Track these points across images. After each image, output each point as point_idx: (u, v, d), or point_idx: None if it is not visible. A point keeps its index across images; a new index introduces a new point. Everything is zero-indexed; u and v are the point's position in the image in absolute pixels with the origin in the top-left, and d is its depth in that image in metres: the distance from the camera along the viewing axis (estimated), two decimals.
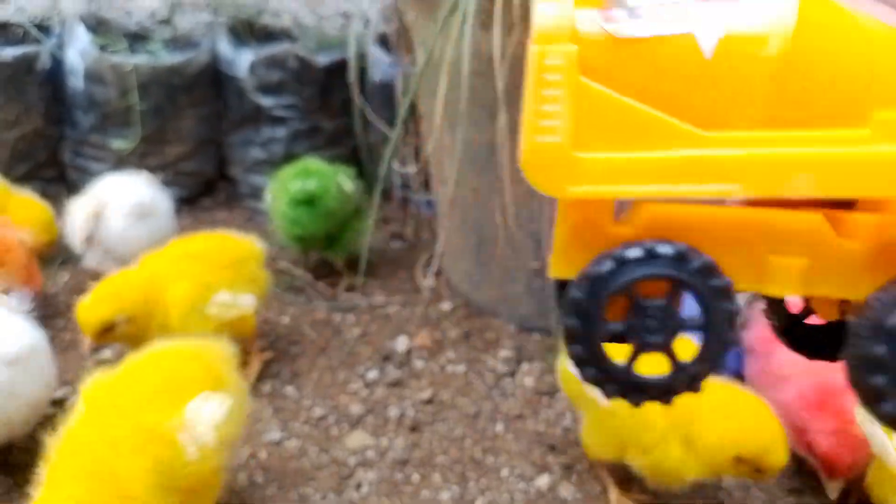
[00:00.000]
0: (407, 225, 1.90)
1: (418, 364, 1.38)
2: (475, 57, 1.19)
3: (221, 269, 1.23)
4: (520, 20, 1.13)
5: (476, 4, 1.15)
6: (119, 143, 1.79)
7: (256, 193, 1.98)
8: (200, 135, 1.92)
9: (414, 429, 1.22)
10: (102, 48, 1.78)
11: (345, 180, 1.59)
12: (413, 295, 1.61)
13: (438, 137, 1.26)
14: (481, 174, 1.34)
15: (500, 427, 1.22)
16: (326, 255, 1.69)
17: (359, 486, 1.10)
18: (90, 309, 1.09)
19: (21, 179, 1.87)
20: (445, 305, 1.55)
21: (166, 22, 2.18)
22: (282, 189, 1.55)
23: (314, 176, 1.54)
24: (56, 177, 1.96)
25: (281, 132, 1.90)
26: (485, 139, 1.30)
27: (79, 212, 1.45)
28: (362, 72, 1.79)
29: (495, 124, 1.26)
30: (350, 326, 1.50)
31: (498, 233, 1.37)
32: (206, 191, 2.03)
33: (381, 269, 1.71)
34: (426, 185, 1.70)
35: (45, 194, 1.92)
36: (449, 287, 1.60)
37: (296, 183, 1.53)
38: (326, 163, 1.64)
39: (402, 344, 1.42)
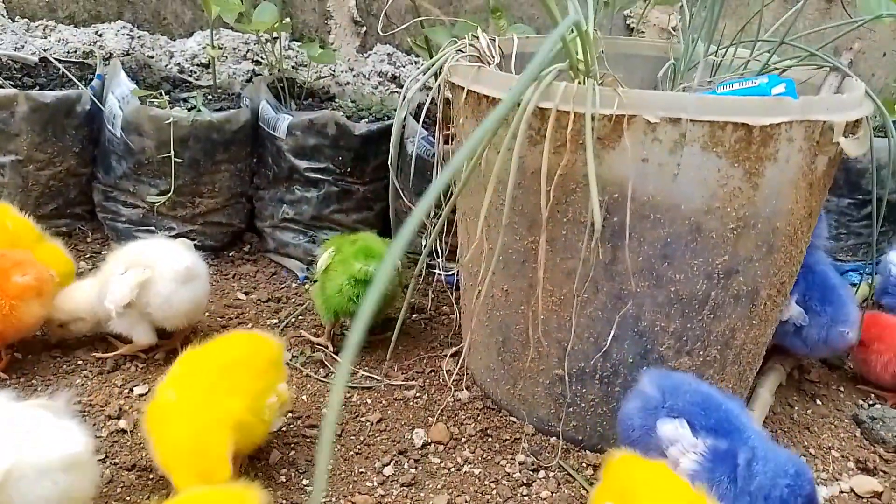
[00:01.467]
0: (428, 297, 1.90)
1: (434, 461, 1.37)
2: (519, 169, 1.20)
3: (264, 372, 1.23)
4: (570, 141, 1.13)
5: (527, 122, 1.16)
6: (153, 198, 1.79)
7: (282, 249, 1.99)
8: (233, 189, 1.93)
9: None
10: (142, 99, 1.78)
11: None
12: (432, 378, 1.60)
13: (479, 244, 1.26)
14: (514, 278, 1.34)
15: None
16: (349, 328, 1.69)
17: None
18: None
19: (50, 216, 1.88)
20: (464, 395, 1.55)
21: (206, 66, 2.19)
22: (343, 265, 1.57)
23: (376, 257, 1.56)
24: (85, 214, 1.97)
25: (313, 193, 1.90)
26: (521, 246, 1.30)
27: (118, 277, 1.44)
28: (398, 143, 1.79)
29: (532, 234, 1.26)
30: (368, 410, 1.49)
31: (523, 335, 1.37)
32: (232, 242, 2.03)
33: (401, 346, 1.70)
34: (449, 257, 1.70)
35: (72, 232, 1.94)
36: (468, 375, 1.60)
37: (359, 263, 1.55)
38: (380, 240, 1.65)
39: (419, 437, 1.41)
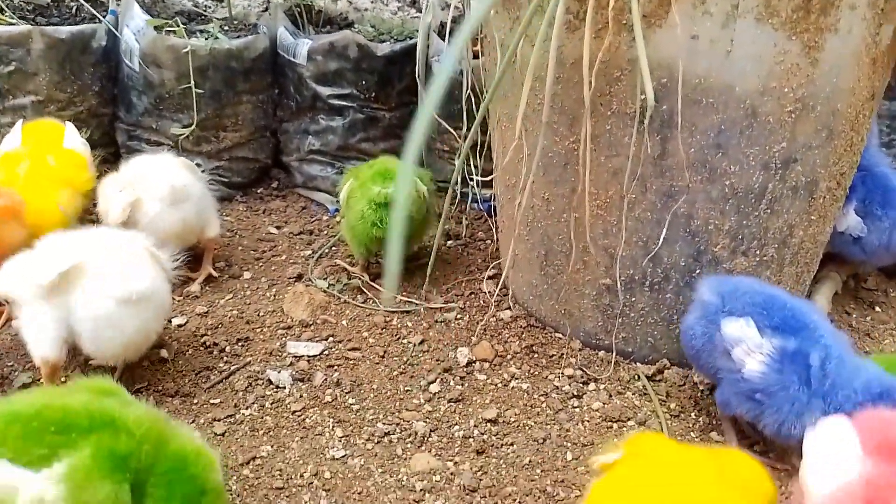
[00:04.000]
0: (462, 224, 1.84)
1: (480, 378, 1.34)
2: (558, 61, 1.12)
3: None
4: (612, 21, 1.05)
5: (564, 4, 1.08)
6: (176, 130, 1.75)
7: (310, 182, 1.94)
8: (256, 122, 1.87)
9: (481, 452, 1.18)
10: (158, 29, 1.72)
11: (419, 182, 1.54)
12: (472, 300, 1.56)
13: (517, 145, 1.20)
14: (555, 184, 1.28)
15: (569, 456, 1.17)
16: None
17: None
18: None
19: None
20: (505, 314, 1.50)
21: (221, 1, 2.12)
22: (361, 190, 1.50)
23: (394, 179, 1.49)
24: (110, 157, 1.93)
25: (337, 122, 1.84)
26: (562, 148, 1.23)
27: (113, 195, 1.42)
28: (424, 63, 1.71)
29: (573, 132, 1.19)
30: (409, 332, 1.46)
31: (566, 245, 1.31)
32: (260, 178, 1.99)
33: (438, 271, 1.66)
34: (485, 182, 1.64)
35: (98, 175, 1.90)
36: (509, 295, 1.55)
37: (377, 185, 1.48)
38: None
39: (463, 355, 1.38)
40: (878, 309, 1.63)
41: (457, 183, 1.42)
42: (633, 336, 1.36)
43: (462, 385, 1.32)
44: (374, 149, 1.89)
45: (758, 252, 1.24)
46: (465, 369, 1.36)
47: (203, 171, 1.82)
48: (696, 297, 1.18)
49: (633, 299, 1.31)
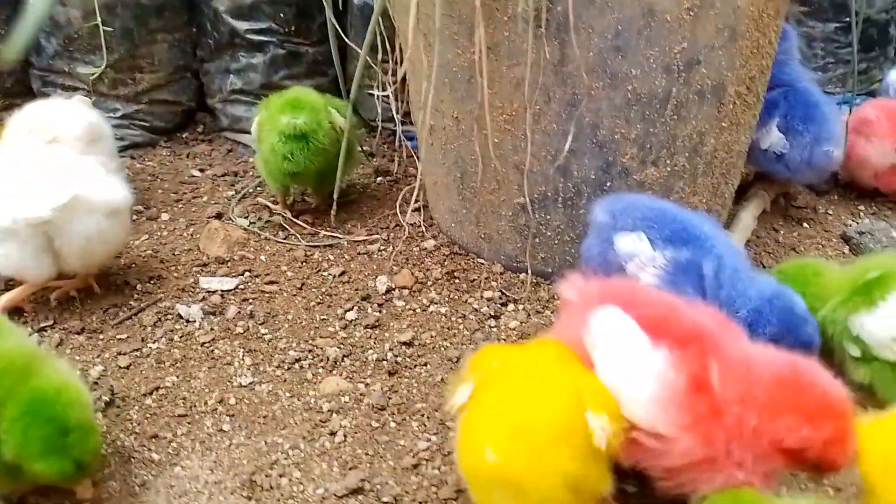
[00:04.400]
0: (394, 160, 1.81)
1: (399, 304, 1.32)
2: None
3: None
4: None
5: None
6: (86, 70, 1.69)
7: (236, 125, 1.89)
8: (174, 62, 1.81)
9: (393, 373, 1.16)
10: None
11: (336, 114, 1.49)
12: (396, 232, 1.54)
13: (412, 57, 1.16)
14: (462, 101, 1.24)
15: None
16: (311, 193, 1.61)
17: (332, 433, 1.05)
18: None
19: None
20: (429, 244, 1.48)
21: None
22: (271, 122, 1.44)
23: (305, 109, 1.43)
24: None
25: (258, 58, 1.79)
26: (465, 61, 1.20)
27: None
28: None
29: (474, 42, 1.16)
30: (330, 265, 1.43)
31: (479, 165, 1.28)
32: (185, 122, 1.94)
33: (365, 206, 1.63)
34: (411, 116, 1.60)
35: None
36: (433, 224, 1.53)
37: (285, 116, 1.41)
38: (317, 93, 1.53)
39: (382, 283, 1.36)
40: (805, 225, 1.63)
41: (381, 117, 1.38)
42: (551, 256, 1.34)
43: (380, 312, 1.30)
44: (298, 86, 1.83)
45: (668, 162, 1.23)
46: (383, 297, 1.34)
47: (121, 116, 1.77)
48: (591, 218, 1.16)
49: (549, 217, 1.29)
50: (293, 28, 1.76)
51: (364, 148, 1.79)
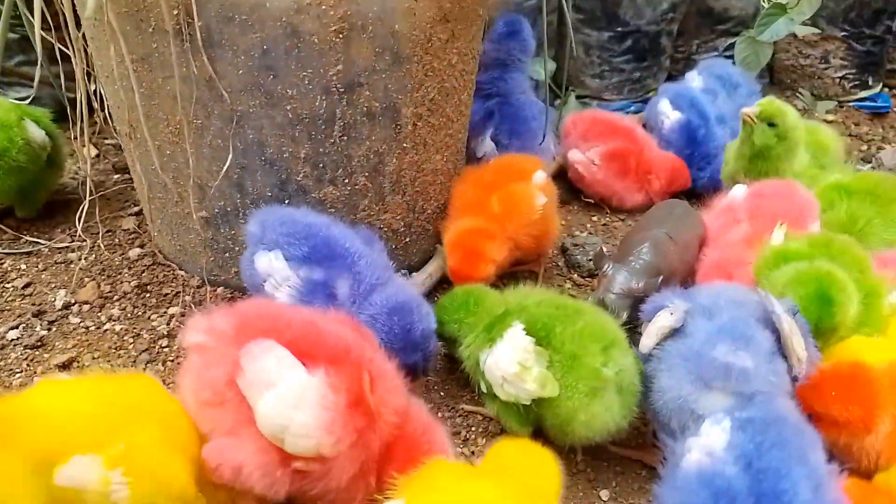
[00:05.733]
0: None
1: (74, 321, 1.24)
2: None
3: None
4: None
5: None
6: None
7: None
8: None
9: None
10: None
11: (34, 127, 1.38)
12: (109, 238, 1.45)
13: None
14: (131, 110, 1.17)
15: None
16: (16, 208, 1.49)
17: None
18: None
19: None
20: (135, 252, 1.41)
21: None
22: None
23: None
24: None
25: None
26: (124, 69, 1.12)
27: None
28: None
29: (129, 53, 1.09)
30: (19, 275, 1.33)
31: (159, 175, 1.22)
32: None
33: (89, 207, 1.52)
34: None
35: None
36: (146, 231, 1.45)
37: None
38: (9, 103, 1.41)
39: (60, 298, 1.27)
40: None
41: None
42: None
43: (49, 330, 1.22)
44: None
45: (347, 181, 1.21)
46: (58, 313, 1.26)
47: None
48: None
49: (233, 232, 1.25)
50: None
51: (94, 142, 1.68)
